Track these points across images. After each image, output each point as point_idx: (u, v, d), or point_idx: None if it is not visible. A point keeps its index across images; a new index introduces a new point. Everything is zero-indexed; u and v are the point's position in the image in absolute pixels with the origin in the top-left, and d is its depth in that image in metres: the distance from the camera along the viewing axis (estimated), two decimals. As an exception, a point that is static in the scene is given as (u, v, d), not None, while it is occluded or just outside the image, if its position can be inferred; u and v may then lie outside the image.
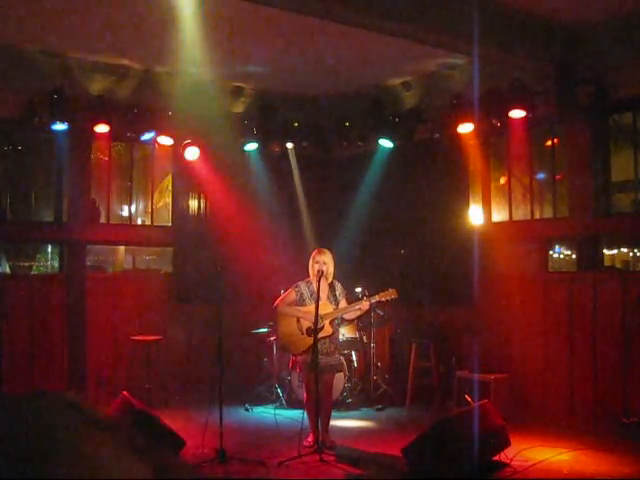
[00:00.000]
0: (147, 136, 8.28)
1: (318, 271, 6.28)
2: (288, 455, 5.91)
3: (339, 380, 7.44)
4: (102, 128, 7.94)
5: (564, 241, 8.54)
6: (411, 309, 8.76)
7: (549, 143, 8.08)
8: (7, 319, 7.71)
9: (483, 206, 8.41)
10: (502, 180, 8.48)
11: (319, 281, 6.21)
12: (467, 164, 8.40)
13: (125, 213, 9.66)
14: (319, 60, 8.01)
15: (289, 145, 9.26)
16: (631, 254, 9.02)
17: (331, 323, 6.34)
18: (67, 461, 1.21)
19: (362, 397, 8.26)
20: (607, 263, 8.11)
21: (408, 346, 8.43)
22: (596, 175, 7.42)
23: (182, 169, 9.02)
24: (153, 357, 8.31)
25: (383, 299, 6.34)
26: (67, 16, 6.64)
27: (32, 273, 9.22)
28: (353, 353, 8.22)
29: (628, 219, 7.41)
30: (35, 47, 7.54)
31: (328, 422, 6.47)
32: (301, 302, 6.46)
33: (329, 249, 6.58)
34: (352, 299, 6.98)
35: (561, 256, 9.02)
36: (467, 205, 8.52)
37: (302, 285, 6.52)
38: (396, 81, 8.84)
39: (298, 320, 6.37)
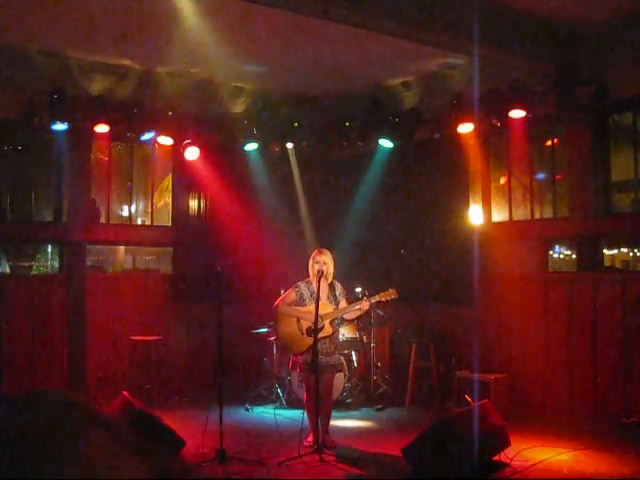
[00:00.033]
0: (147, 136, 8.28)
1: (318, 271, 6.28)
2: (288, 455, 5.91)
3: (339, 380, 7.44)
4: (102, 128, 7.94)
5: (564, 241, 8.54)
6: (411, 309, 8.76)
7: (549, 143, 8.08)
8: (7, 319, 7.71)
9: (483, 206, 8.41)
10: (502, 180, 8.48)
11: (319, 281, 6.21)
12: (467, 164, 8.40)
13: (125, 213, 9.66)
14: (319, 60, 8.01)
15: (289, 145, 9.26)
16: (631, 254, 9.01)
17: (331, 323, 6.34)
18: (67, 461, 1.20)
19: (362, 397, 8.26)
20: (607, 263, 8.11)
21: (408, 346, 8.43)
22: (596, 175, 7.42)
23: (182, 169, 9.02)
24: (153, 357, 8.32)
25: (383, 299, 6.34)
26: (67, 16, 6.65)
27: (32, 273, 9.22)
28: (353, 353, 8.22)
29: (628, 219, 7.41)
30: (35, 47, 7.54)
31: (328, 422, 6.47)
32: (301, 302, 6.46)
33: (329, 249, 6.58)
34: (352, 299, 6.98)
35: (561, 256, 9.02)
36: (467, 205, 8.52)
37: (302, 285, 6.52)
38: (396, 81, 8.84)
39: (298, 320, 6.37)
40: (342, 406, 7.85)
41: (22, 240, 8.67)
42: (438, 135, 8.35)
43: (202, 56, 7.57)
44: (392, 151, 8.88)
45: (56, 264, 8.84)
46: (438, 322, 8.56)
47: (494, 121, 7.54)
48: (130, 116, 8.04)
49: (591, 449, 6.16)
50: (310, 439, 6.31)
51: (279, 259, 9.03)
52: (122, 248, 9.97)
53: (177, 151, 8.73)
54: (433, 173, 8.79)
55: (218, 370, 6.00)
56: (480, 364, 7.50)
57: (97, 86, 8.11)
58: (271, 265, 9.02)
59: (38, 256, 9.57)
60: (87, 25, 6.91)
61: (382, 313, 8.59)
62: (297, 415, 6.89)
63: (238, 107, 9.22)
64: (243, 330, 8.71)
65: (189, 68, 8.26)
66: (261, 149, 9.16)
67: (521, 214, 8.16)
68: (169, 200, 9.49)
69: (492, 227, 8.33)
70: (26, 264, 9.35)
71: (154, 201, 9.37)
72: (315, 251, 6.50)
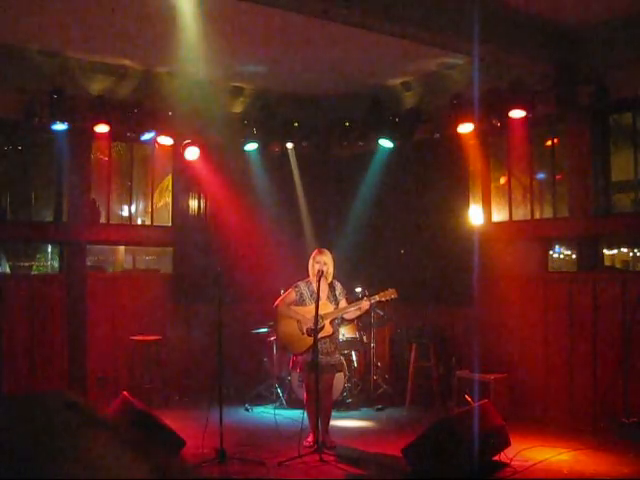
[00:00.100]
0: (147, 136, 8.28)
1: (318, 271, 6.28)
2: (288, 455, 5.91)
3: (339, 380, 7.44)
4: (102, 128, 7.94)
5: (564, 241, 8.54)
6: (411, 309, 8.76)
7: (549, 143, 8.07)
8: (7, 319, 7.71)
9: (483, 206, 8.41)
10: (502, 180, 8.48)
11: (319, 281, 6.21)
12: (467, 164, 8.39)
13: (125, 213, 9.66)
14: (319, 60, 8.02)
15: (289, 145, 9.26)
16: (631, 254, 9.01)
17: (331, 323, 6.34)
18: (67, 461, 1.20)
19: (362, 397, 8.26)
20: (607, 263, 8.11)
21: (408, 346, 8.43)
22: (596, 175, 7.41)
23: (182, 169, 9.02)
24: (153, 357, 8.32)
25: (383, 299, 6.35)
26: (67, 16, 6.64)
27: (32, 273, 9.22)
28: (353, 353, 8.22)
29: (628, 219, 7.40)
30: (35, 47, 7.54)
31: (328, 422, 6.47)
32: (301, 302, 6.46)
33: (329, 249, 6.59)
34: (352, 299, 6.99)
35: (561, 256, 9.02)
36: (467, 205, 8.52)
37: (302, 285, 6.52)
38: (396, 81, 8.84)
39: (298, 320, 6.37)
40: (342, 406, 7.85)
41: (22, 240, 8.67)
42: (438, 135, 8.35)
43: (202, 56, 7.56)
44: (392, 151, 8.88)
45: (56, 264, 8.83)
46: (438, 322, 8.55)
47: (494, 121, 7.54)
48: (130, 116, 8.03)
49: (591, 449, 6.17)
50: (310, 439, 6.31)
51: (279, 259, 9.02)
52: (122, 248, 9.97)
53: (177, 151, 8.72)
54: (433, 173, 8.79)
55: (218, 370, 5.99)
56: (480, 364, 7.50)
57: (97, 86, 8.11)
58: (271, 265, 9.01)
59: (38, 256, 9.57)
60: (87, 25, 6.91)
61: (382, 313, 8.59)
62: (297, 415, 6.89)
63: (238, 107, 9.22)
64: (243, 330, 8.71)
65: (189, 68, 8.25)
66: (261, 149, 9.15)
67: (521, 214, 8.16)
68: (169, 200, 9.48)
69: (492, 227, 8.33)
70: (26, 264, 9.35)
71: (154, 201, 9.37)
72: (315, 251, 6.50)
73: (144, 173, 9.34)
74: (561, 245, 8.82)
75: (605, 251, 8.02)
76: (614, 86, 6.93)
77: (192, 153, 8.60)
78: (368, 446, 6.44)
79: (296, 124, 9.03)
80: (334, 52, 7.69)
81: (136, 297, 8.71)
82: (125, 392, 6.29)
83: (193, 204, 9.30)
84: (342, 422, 7.38)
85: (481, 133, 8.04)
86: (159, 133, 8.34)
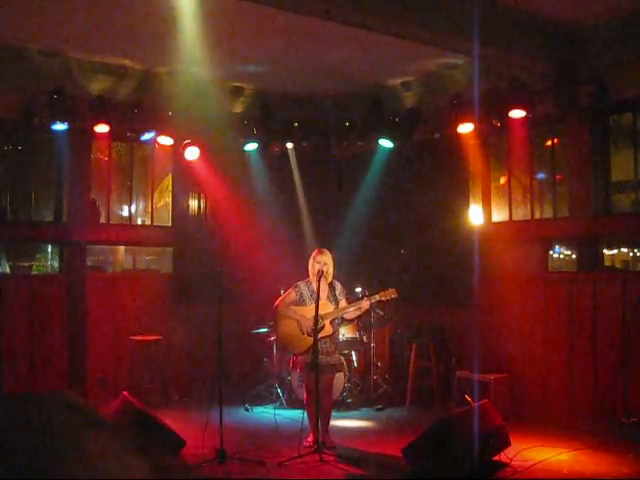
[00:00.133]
0: (147, 136, 8.28)
1: (318, 271, 6.28)
2: (288, 455, 5.91)
3: (339, 380, 7.44)
4: (102, 128, 7.94)
5: (564, 241, 8.53)
6: (411, 309, 8.76)
7: (549, 143, 8.07)
8: (7, 319, 7.71)
9: (483, 206, 8.41)
10: (502, 180, 8.48)
11: (319, 281, 6.21)
12: (467, 164, 8.39)
13: (125, 213, 9.66)
14: (319, 60, 8.01)
15: (289, 145, 9.26)
16: (631, 254, 9.01)
17: (331, 323, 6.34)
18: (67, 461, 1.20)
19: (362, 397, 8.26)
20: (607, 263, 8.10)
21: (408, 346, 8.43)
22: (596, 175, 7.41)
23: (182, 169, 9.02)
24: (153, 357, 8.32)
25: (383, 298, 6.34)
26: (67, 16, 6.64)
27: (32, 273, 9.22)
28: (353, 353, 8.22)
29: (628, 219, 7.41)
30: (35, 47, 7.54)
31: (328, 422, 6.47)
32: (301, 302, 6.46)
33: (329, 249, 6.59)
34: (352, 299, 6.99)
35: (561, 256, 9.02)
36: (467, 205, 8.52)
37: (302, 285, 6.52)
38: (396, 81, 8.84)
39: (298, 321, 6.37)
40: (342, 406, 7.85)
41: (22, 240, 8.67)
42: (438, 135, 8.36)
43: (202, 56, 7.56)
44: (392, 151, 8.88)
45: (56, 264, 8.83)
46: (438, 322, 8.55)
47: (494, 121, 7.54)
48: (130, 116, 8.03)
49: (591, 449, 6.16)
50: (310, 439, 6.31)
51: (279, 259, 9.02)
52: (122, 248, 9.97)
53: (177, 151, 8.73)
54: (433, 173, 8.79)
55: (218, 370, 5.99)
56: (480, 364, 7.50)
57: (97, 86, 8.11)
58: (271, 265, 9.01)
59: (38, 256, 9.56)
60: (87, 25, 6.91)
61: (382, 313, 8.60)
62: (297, 415, 6.89)
63: (238, 107, 9.22)
64: (243, 330, 8.72)
65: (189, 68, 8.25)
66: (261, 149, 9.15)
67: (521, 214, 8.16)
68: (169, 200, 9.48)
69: (492, 227, 8.33)
70: (26, 264, 9.35)
71: (154, 201, 9.36)
72: (315, 251, 6.50)
73: (144, 173, 9.34)
74: (561, 245, 8.82)
75: (605, 251, 8.02)
76: (614, 86, 6.93)
77: (192, 153, 8.60)
78: (368, 446, 6.44)
79: (296, 124, 9.03)
80: (334, 52, 7.69)
81: (136, 297, 8.71)
82: (125, 392, 6.29)
83: (193, 204, 9.30)
84: (342, 422, 7.38)
85: (481, 133, 8.04)
86: (159, 133, 8.34)
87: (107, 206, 8.77)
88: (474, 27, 6.14)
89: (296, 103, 9.28)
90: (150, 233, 9.25)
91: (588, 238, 7.50)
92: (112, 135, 8.25)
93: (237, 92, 9.14)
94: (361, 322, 8.23)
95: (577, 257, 7.88)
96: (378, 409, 8.07)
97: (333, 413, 6.81)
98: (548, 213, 8.01)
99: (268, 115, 8.93)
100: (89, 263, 9.02)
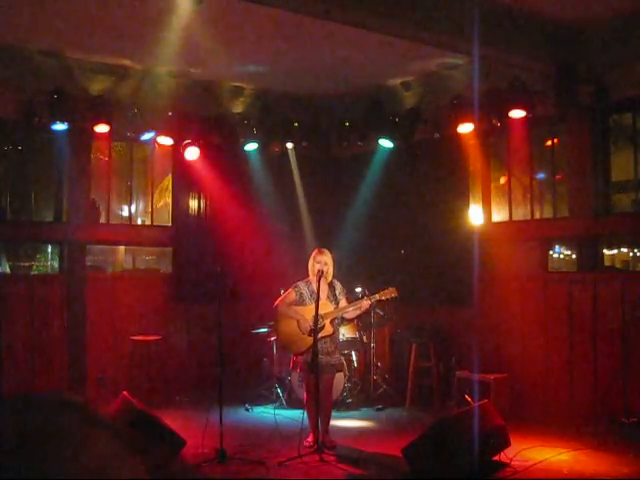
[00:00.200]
0: (147, 136, 8.29)
1: (318, 271, 6.28)
2: (288, 455, 5.91)
3: (339, 380, 7.44)
4: (102, 128, 7.94)
5: (564, 241, 8.54)
6: (411, 309, 8.76)
7: (549, 143, 8.07)
8: (7, 319, 7.71)
9: (483, 206, 8.41)
10: (502, 180, 8.48)
11: (319, 281, 6.21)
12: (467, 164, 8.39)
13: (125, 213, 9.66)
14: (319, 60, 8.01)
15: (289, 145, 9.26)
16: (631, 254, 9.01)
17: (331, 322, 6.34)
18: (67, 461, 1.20)
19: (362, 397, 8.26)
20: (607, 263, 8.11)
21: (408, 346, 8.43)
22: (596, 175, 7.42)
23: (182, 169, 9.02)
24: (153, 357, 8.32)
25: (384, 298, 6.34)
26: (67, 16, 6.64)
27: (32, 273, 9.22)
28: (353, 353, 8.22)
29: (628, 219, 7.41)
30: (35, 47, 7.54)
31: (328, 422, 6.47)
32: (301, 302, 6.46)
33: (329, 249, 6.59)
34: (352, 299, 6.99)
35: (561, 256, 9.02)
36: (467, 205, 8.52)
37: (302, 285, 6.52)
38: (396, 81, 8.84)
39: (298, 320, 6.37)
40: (342, 406, 7.85)
41: (22, 240, 8.67)
42: (438, 135, 8.36)
43: (202, 56, 7.57)
44: (392, 151, 8.88)
45: (56, 264, 8.83)
46: (438, 322, 8.55)
47: (494, 121, 7.54)
48: (130, 116, 8.04)
49: (591, 449, 6.17)
50: (310, 439, 6.31)
51: (279, 259, 9.03)
52: (122, 248, 9.97)
53: (177, 151, 8.73)
54: (433, 173, 8.79)
55: (218, 370, 5.99)
56: (480, 364, 7.50)
57: (97, 86, 8.11)
58: (271, 265, 9.02)
59: (38, 256, 9.57)
60: (87, 25, 6.91)
61: (382, 313, 8.60)
62: (297, 415, 6.89)
63: (238, 107, 9.22)
64: (243, 330, 8.72)
65: (189, 68, 8.25)
66: (261, 149, 9.15)
67: (521, 214, 8.16)
68: (169, 200, 9.48)
69: (492, 227, 8.33)
70: (26, 264, 9.35)
71: (154, 201, 9.37)
72: (315, 251, 6.50)
73: (144, 173, 9.34)
74: (561, 245, 8.82)
75: (605, 251, 8.02)
76: (614, 86, 6.93)
77: (192, 153, 8.60)
78: (368, 446, 6.44)
79: (296, 124, 9.03)
80: (334, 52, 7.68)
81: (136, 297, 8.71)
82: (125, 392, 6.29)
83: (193, 204, 9.30)
84: (342, 422, 7.38)
85: (481, 133, 8.04)
86: (159, 133, 8.34)
87: (107, 206, 8.78)
88: (474, 27, 6.14)
89: (296, 103, 9.28)
90: (150, 233, 9.25)
91: (588, 238, 7.50)
92: (112, 135, 8.25)
93: (237, 92, 9.14)
94: (361, 322, 8.24)
95: (577, 257, 7.88)
96: (378, 409, 8.07)
97: (333, 413, 6.81)
98: (548, 213, 8.01)
99: (268, 115, 8.93)
100: (89, 263, 9.02)
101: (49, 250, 9.37)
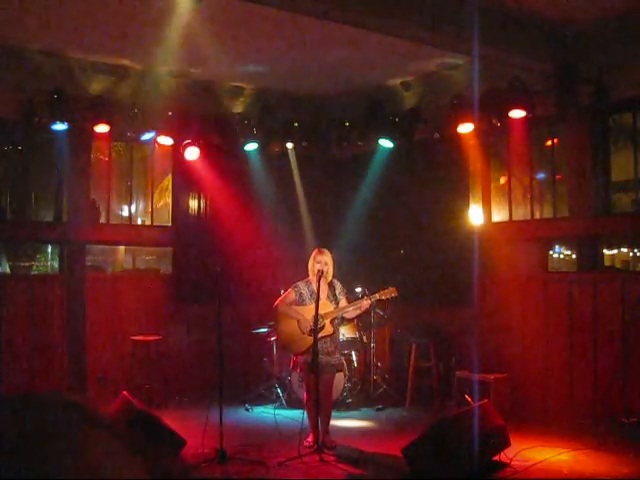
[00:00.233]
0: (147, 136, 8.28)
1: (318, 271, 6.28)
2: (288, 455, 5.91)
3: (339, 380, 7.44)
4: (102, 128, 7.94)
5: (564, 241, 8.54)
6: (411, 309, 8.76)
7: (549, 143, 8.07)
8: (7, 319, 7.71)
9: (483, 206, 8.41)
10: (502, 180, 8.48)
11: (319, 281, 6.21)
12: (467, 164, 8.39)
13: (125, 213, 9.66)
14: (319, 60, 8.01)
15: (289, 145, 9.25)
16: (631, 254, 9.01)
17: (332, 322, 6.34)
18: (67, 461, 1.21)
19: (362, 397, 8.26)
20: (607, 263, 8.11)
21: (408, 346, 8.43)
22: (596, 175, 7.42)
23: (182, 169, 9.02)
24: (153, 357, 8.32)
25: (384, 297, 6.34)
26: (67, 16, 6.64)
27: (32, 273, 9.22)
28: (353, 353, 8.22)
29: (628, 219, 7.40)
30: (35, 47, 7.54)
31: (328, 422, 6.47)
32: (301, 302, 6.46)
33: (329, 249, 6.59)
34: (352, 298, 6.99)
35: (561, 256, 9.02)
36: (467, 205, 8.52)
37: (301, 285, 6.52)
38: (396, 81, 8.84)
39: (298, 320, 6.37)
40: (342, 406, 7.85)
41: (22, 240, 8.66)
42: (438, 135, 8.36)
43: (202, 56, 7.56)
44: (392, 151, 8.88)
45: (56, 264, 8.83)
46: (438, 322, 8.55)
47: (494, 121, 7.53)
48: (130, 116, 8.04)
49: (591, 449, 6.16)
50: (310, 439, 6.31)
51: (279, 259, 9.03)
52: (122, 248, 9.97)
53: (177, 151, 8.72)
54: (433, 173, 8.79)
55: (218, 370, 5.99)
56: (480, 364, 7.50)
57: (97, 86, 8.11)
58: (271, 265, 9.02)
59: (38, 256, 9.57)
60: (87, 25, 6.91)
61: (382, 313, 8.60)
62: (297, 415, 6.89)
63: (238, 107, 9.22)
64: (243, 330, 8.72)
65: (189, 68, 8.25)
66: (261, 149, 9.15)
67: (521, 214, 8.16)
68: (169, 200, 9.48)
69: (492, 227, 8.33)
70: (26, 264, 9.35)
71: (154, 201, 9.37)
72: (315, 251, 6.50)
73: (144, 173, 9.34)
74: (561, 245, 8.82)
75: (605, 251, 8.02)
76: (614, 86, 6.93)
77: (192, 153, 8.60)
78: (368, 446, 6.43)
79: (296, 124, 9.03)
80: (334, 52, 7.69)
81: (136, 297, 8.71)
82: (125, 392, 6.29)
83: (193, 204, 9.30)
84: (342, 422, 7.38)
85: (481, 133, 8.04)
86: (159, 133, 8.34)
87: (107, 206, 8.78)
88: (474, 27, 6.14)
89: (296, 103, 9.28)
90: (150, 233, 9.25)
91: (588, 238, 7.50)
92: (112, 135, 8.24)
93: (237, 92, 9.14)
94: (361, 322, 8.24)
95: (577, 257, 7.88)
96: (378, 409, 8.07)
97: (333, 413, 6.81)
98: (548, 213, 8.01)
99: (268, 115, 8.93)
100: (89, 263, 9.02)
101: (49, 250, 9.37)
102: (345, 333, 8.06)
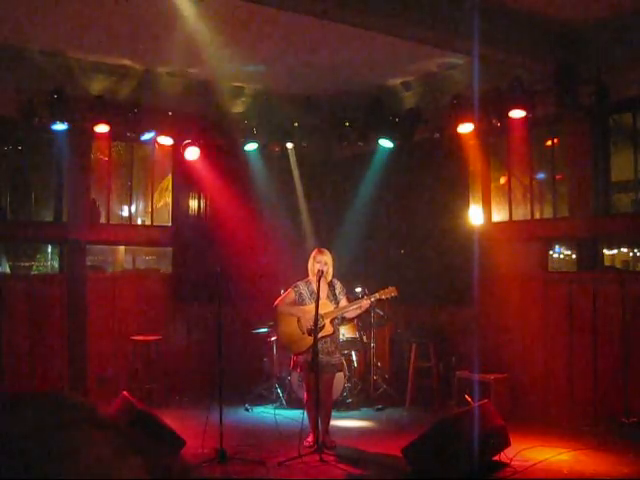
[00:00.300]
0: (147, 136, 8.28)
1: (318, 271, 6.28)
2: (288, 455, 5.91)
3: (339, 380, 7.44)
4: (102, 128, 7.94)
5: (564, 241, 8.54)
6: (411, 309, 8.76)
7: (549, 143, 8.08)
8: (7, 319, 7.71)
9: (483, 206, 8.41)
10: (502, 180, 8.48)
11: (319, 281, 6.21)
12: (467, 164, 8.39)
13: (125, 213, 9.66)
14: (319, 60, 8.01)
15: (289, 145, 9.26)
16: (631, 254, 9.01)
17: (332, 322, 6.34)
18: (67, 461, 1.21)
19: (362, 397, 8.26)
20: (607, 263, 8.11)
21: (408, 346, 8.43)
22: (596, 175, 7.41)
23: (182, 169, 9.02)
24: (153, 357, 8.32)
25: (384, 297, 6.34)
26: (67, 16, 6.64)
27: (32, 273, 9.23)
28: (353, 353, 8.22)
29: (628, 219, 7.41)
30: (35, 47, 7.54)
31: (328, 422, 6.47)
32: (301, 302, 6.46)
33: (329, 249, 6.59)
34: (352, 298, 6.99)
35: (561, 256, 9.02)
36: (467, 205, 8.52)
37: (301, 285, 6.52)
38: (396, 81, 8.84)
39: (298, 320, 6.37)
40: (342, 406, 7.85)
41: (22, 240, 8.67)
42: (438, 135, 8.35)
43: (202, 56, 7.56)
44: (392, 151, 8.88)
45: (56, 264, 8.84)
46: (438, 322, 8.55)
47: (494, 121, 7.54)
48: (130, 116, 8.03)
49: (591, 449, 6.16)
50: (310, 439, 6.30)
51: (279, 259, 9.03)
52: (122, 248, 9.97)
53: (177, 151, 8.73)
54: (433, 173, 8.79)
55: (218, 370, 5.99)
56: (480, 364, 7.50)
57: (97, 86, 8.11)
58: (271, 265, 9.02)
59: (38, 256, 9.57)
60: (87, 25, 6.91)
61: (382, 313, 8.60)
62: (297, 415, 6.89)
63: (238, 107, 9.22)
64: (243, 330, 8.72)
65: (189, 68, 8.25)
66: (261, 149, 9.15)
67: (521, 214, 8.16)
68: (169, 200, 9.49)
69: (492, 227, 8.33)
70: (26, 264, 9.36)
71: (154, 201, 9.37)
72: (315, 251, 6.50)
73: (144, 173, 9.34)
74: (561, 245, 8.82)
75: (605, 251, 8.02)
76: (614, 86, 6.92)
77: (192, 153, 8.60)
78: (368, 446, 6.44)
79: (296, 124, 9.03)
80: (334, 52, 7.68)
81: (136, 297, 8.71)
82: (125, 392, 6.29)
83: (193, 204, 9.30)
84: (342, 422, 7.38)
85: (481, 133, 8.04)
86: (159, 133, 8.34)
87: (107, 206, 8.78)
88: (474, 27, 6.14)
89: (296, 103, 9.28)
90: (150, 233, 9.25)
91: (588, 238, 7.50)
92: (112, 135, 8.25)
93: (237, 92, 9.14)
94: (361, 322, 8.24)
95: (577, 257, 7.88)
96: (378, 409, 8.06)
97: (333, 413, 6.81)
98: (548, 213, 8.01)
99: (268, 115, 8.93)
100: (89, 263, 9.03)
101: (49, 250, 9.37)
102: (345, 333, 8.06)
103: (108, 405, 6.20)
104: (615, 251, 8.80)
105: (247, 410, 7.96)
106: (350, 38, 7.03)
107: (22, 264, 9.29)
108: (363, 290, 7.95)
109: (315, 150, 9.55)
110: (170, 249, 9.33)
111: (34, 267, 9.44)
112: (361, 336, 8.31)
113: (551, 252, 8.47)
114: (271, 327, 7.99)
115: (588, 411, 7.08)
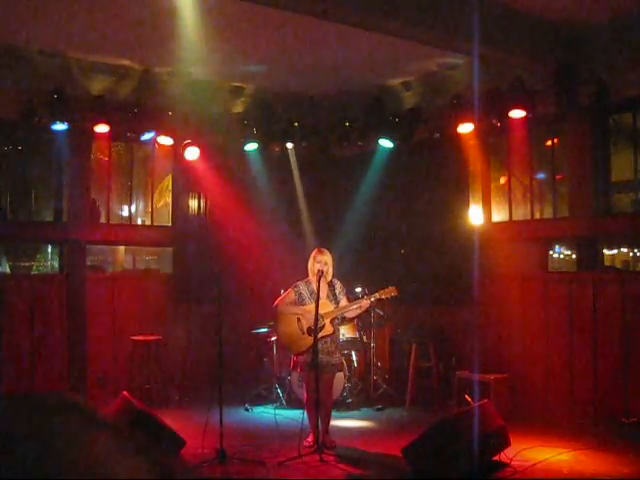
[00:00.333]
0: (147, 136, 8.28)
1: (318, 271, 6.27)
2: (288, 455, 5.91)
3: (339, 380, 7.44)
4: (102, 128, 7.95)
5: (564, 241, 8.54)
6: (411, 309, 8.76)
7: (549, 143, 8.08)
8: (7, 319, 7.72)
9: (483, 206, 8.41)
10: (502, 180, 8.48)
11: (319, 281, 6.21)
12: (467, 164, 8.39)
13: (125, 213, 9.66)
14: (319, 60, 8.01)
15: (289, 145, 9.25)
16: (631, 254, 9.01)
17: (332, 322, 6.34)
18: (67, 461, 1.20)
19: (362, 397, 8.26)
20: (607, 263, 8.11)
21: (408, 346, 8.43)
22: (596, 175, 7.42)
23: (182, 169, 9.02)
24: (153, 357, 8.32)
25: (384, 296, 6.34)
26: (67, 16, 6.64)
27: (32, 273, 9.22)
28: (353, 353, 8.22)
29: (628, 219, 7.41)
30: (35, 47, 7.54)
31: (328, 422, 6.47)
32: (300, 302, 6.46)
33: (329, 249, 6.58)
34: (352, 298, 6.99)
35: (561, 256, 9.02)
36: (467, 205, 8.52)
37: (301, 285, 6.52)
38: (396, 81, 8.84)
39: (299, 320, 6.37)
40: (342, 406, 7.85)
41: (22, 240, 8.67)
42: (438, 135, 8.35)
43: (202, 56, 7.56)
44: (392, 151, 8.88)
45: (56, 264, 8.84)
46: (438, 322, 8.55)
47: (494, 121, 7.54)
48: (130, 116, 8.04)
49: (591, 449, 6.16)
50: (310, 439, 6.31)
51: (279, 259, 9.03)
52: (122, 248, 9.98)
53: (177, 151, 8.73)
54: (433, 173, 8.79)
55: (218, 370, 5.99)
56: (480, 364, 7.50)
57: (97, 86, 8.11)
58: (271, 265, 9.02)
59: (38, 256, 9.57)
60: (87, 25, 6.91)
61: (382, 313, 8.60)
62: (297, 415, 6.89)
63: (238, 107, 9.22)
64: (243, 330, 8.72)
65: (189, 68, 8.25)
66: (261, 149, 9.15)
67: (521, 214, 8.16)
68: (169, 200, 9.49)
69: (492, 227, 8.33)
70: (26, 264, 9.36)
71: (154, 201, 9.37)
72: (315, 251, 6.50)
73: (144, 173, 9.34)
74: (561, 245, 8.82)
75: (605, 251, 8.02)
76: (614, 86, 6.93)
77: (192, 153, 8.60)
78: (368, 446, 6.44)
79: (296, 124, 9.02)
80: (334, 52, 7.68)
81: (136, 297, 8.71)
82: (125, 392, 6.29)
83: (193, 204, 9.30)
84: (342, 422, 7.38)
85: (481, 133, 8.04)
86: (159, 133, 8.34)
87: (107, 206, 8.78)
88: (474, 27, 6.14)
89: (296, 103, 9.28)
90: (150, 233, 9.25)
91: (588, 238, 7.50)
92: (112, 135, 8.25)
93: (237, 92, 9.14)
94: (361, 322, 8.24)
95: (577, 257, 7.88)
96: (378, 409, 8.06)
97: (333, 413, 6.81)
98: (548, 213, 8.01)
99: (268, 115, 8.93)
100: (89, 263, 9.03)
101: (49, 250, 9.37)
102: (345, 333, 8.06)
103: (108, 405, 6.20)
104: (615, 251, 8.80)
105: (247, 410, 7.96)
106: (350, 38, 7.03)
107: (22, 264, 9.29)
108: (363, 290, 7.95)
109: (315, 150, 9.54)
110: (170, 249, 9.33)
111: (34, 267, 9.44)
112: (361, 336, 8.31)
113: (551, 252, 8.47)
114: (271, 327, 7.99)
115: (588, 411, 7.08)
